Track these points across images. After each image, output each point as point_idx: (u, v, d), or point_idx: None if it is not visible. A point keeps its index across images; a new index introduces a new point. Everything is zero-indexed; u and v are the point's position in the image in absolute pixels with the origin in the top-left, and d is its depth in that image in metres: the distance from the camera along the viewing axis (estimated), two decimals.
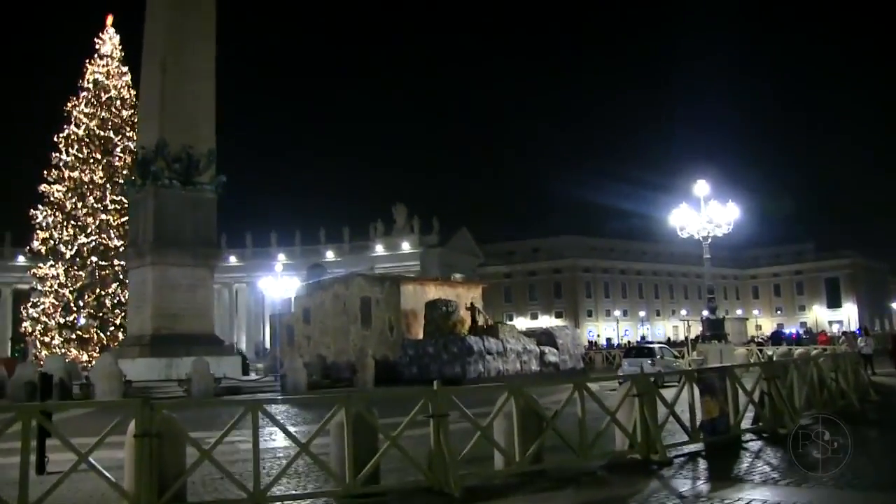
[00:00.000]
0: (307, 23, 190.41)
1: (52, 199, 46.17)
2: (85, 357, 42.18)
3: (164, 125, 33.94)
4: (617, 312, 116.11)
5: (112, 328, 44.23)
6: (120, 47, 50.36)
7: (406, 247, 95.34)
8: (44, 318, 44.47)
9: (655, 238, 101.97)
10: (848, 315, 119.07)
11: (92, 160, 46.92)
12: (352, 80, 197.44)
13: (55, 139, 47.26)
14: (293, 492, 9.59)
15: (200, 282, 33.97)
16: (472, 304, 38.56)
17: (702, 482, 9.92)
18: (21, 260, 62.33)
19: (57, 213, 45.93)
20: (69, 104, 48.05)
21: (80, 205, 45.92)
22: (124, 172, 44.55)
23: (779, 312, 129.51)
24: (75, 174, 46.49)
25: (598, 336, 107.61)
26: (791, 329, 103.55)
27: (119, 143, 47.64)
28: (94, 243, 45.41)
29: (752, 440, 12.96)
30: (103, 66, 49.26)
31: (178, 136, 33.84)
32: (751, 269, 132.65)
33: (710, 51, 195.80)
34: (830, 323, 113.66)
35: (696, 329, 63.09)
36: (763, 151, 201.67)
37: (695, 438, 11.86)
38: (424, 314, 37.13)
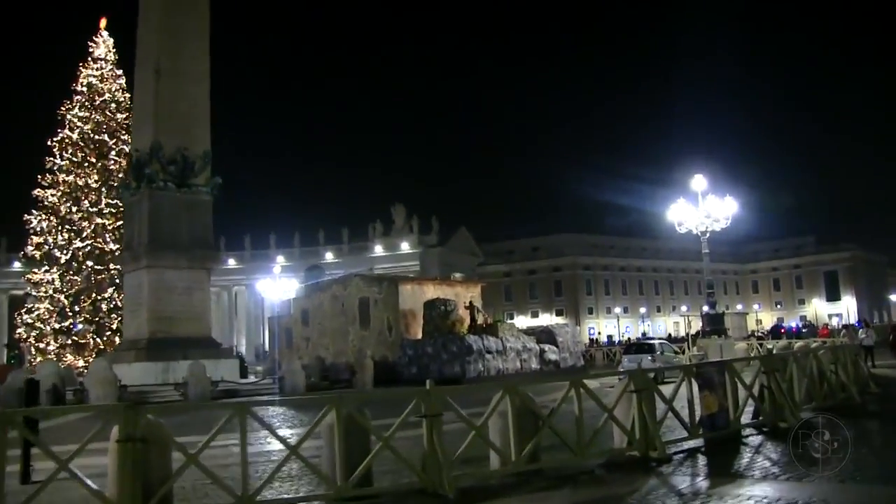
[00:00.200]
0: (305, 24, 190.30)
1: (46, 203, 45.83)
2: (81, 362, 41.88)
3: (158, 127, 33.71)
4: (617, 309, 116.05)
5: (108, 333, 43.95)
6: (114, 50, 50.08)
7: (405, 247, 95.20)
8: (39, 324, 44.15)
9: (655, 234, 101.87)
10: (847, 308, 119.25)
11: (86, 164, 46.60)
12: (350, 82, 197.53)
13: (49, 143, 46.96)
14: (284, 496, 9.41)
15: (197, 284, 33.69)
16: (470, 303, 38.41)
17: (701, 479, 9.76)
18: (16, 265, 62.01)
19: (51, 218, 45.60)
20: (63, 108, 47.73)
21: (74, 209, 45.62)
22: (119, 176, 44.20)
23: (779, 306, 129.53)
24: (70, 178, 46.18)
25: (599, 333, 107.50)
26: (791, 323, 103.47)
27: (114, 146, 47.31)
28: (89, 247, 45.09)
29: (752, 435, 12.80)
30: (97, 69, 49.00)
31: (173, 138, 33.63)
32: (750, 263, 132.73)
33: (709, 47, 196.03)
34: (830, 316, 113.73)
35: (697, 324, 62.89)
36: (762, 146, 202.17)
37: (694, 434, 11.69)
38: (423, 314, 36.95)
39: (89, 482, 7.51)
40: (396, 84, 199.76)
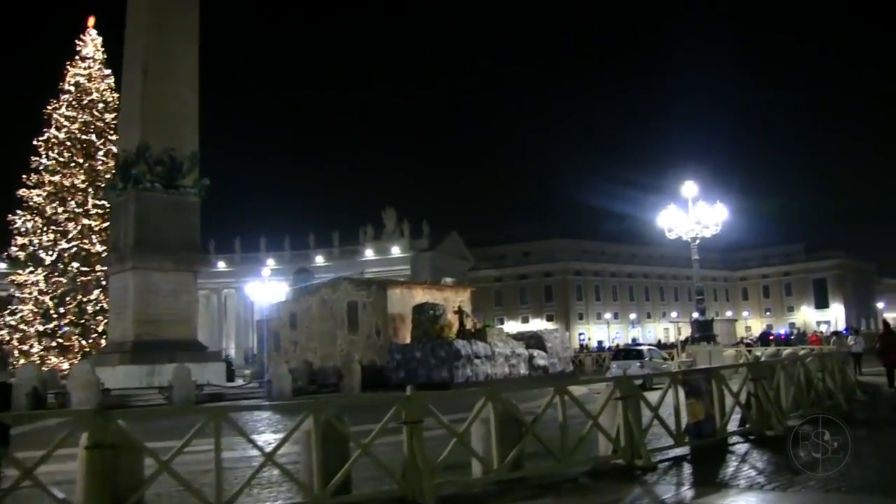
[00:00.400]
0: (296, 25, 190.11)
1: (31, 203, 45.34)
2: (66, 365, 41.42)
3: (145, 128, 33.49)
4: (608, 315, 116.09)
5: (94, 335, 43.47)
6: (102, 49, 49.66)
7: (396, 251, 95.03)
8: (22, 326, 43.66)
9: (646, 240, 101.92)
10: (835, 315, 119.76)
11: (73, 164, 46.22)
12: (341, 84, 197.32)
13: (35, 143, 46.55)
14: (260, 503, 9.20)
15: (183, 287, 33.40)
16: (459, 307, 38.19)
17: (686, 488, 9.59)
18: (1, 266, 61.42)
19: (37, 219, 45.13)
20: (49, 107, 47.28)
21: (60, 209, 45.19)
22: (107, 177, 43.80)
23: (768, 313, 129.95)
24: (56, 178, 45.77)
25: (590, 339, 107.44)
26: (780, 330, 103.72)
27: (101, 146, 46.94)
28: (75, 249, 44.64)
29: (738, 443, 12.66)
30: (85, 68, 48.61)
31: (160, 138, 33.41)
32: (740, 270, 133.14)
33: (699, 55, 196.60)
34: (818, 323, 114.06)
35: (687, 331, 62.88)
36: (753, 154, 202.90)
37: (680, 442, 11.52)
38: (412, 318, 36.70)
39: (54, 490, 7.29)
40: (387, 88, 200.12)
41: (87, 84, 48.14)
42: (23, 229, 45.17)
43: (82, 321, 43.96)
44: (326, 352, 39.50)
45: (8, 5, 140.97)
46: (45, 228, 45.03)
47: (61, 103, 47.42)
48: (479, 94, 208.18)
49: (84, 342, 43.48)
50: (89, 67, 48.72)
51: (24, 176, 45.97)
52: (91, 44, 49.59)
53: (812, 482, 9.12)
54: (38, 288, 44.15)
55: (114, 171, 38.74)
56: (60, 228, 45.05)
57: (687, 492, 9.35)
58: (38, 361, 40.50)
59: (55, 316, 43.67)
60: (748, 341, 62.20)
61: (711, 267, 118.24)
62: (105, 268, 39.97)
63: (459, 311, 37.45)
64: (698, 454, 11.55)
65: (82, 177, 46.12)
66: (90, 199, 45.68)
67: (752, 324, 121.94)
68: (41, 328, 43.39)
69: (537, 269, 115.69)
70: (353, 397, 22.92)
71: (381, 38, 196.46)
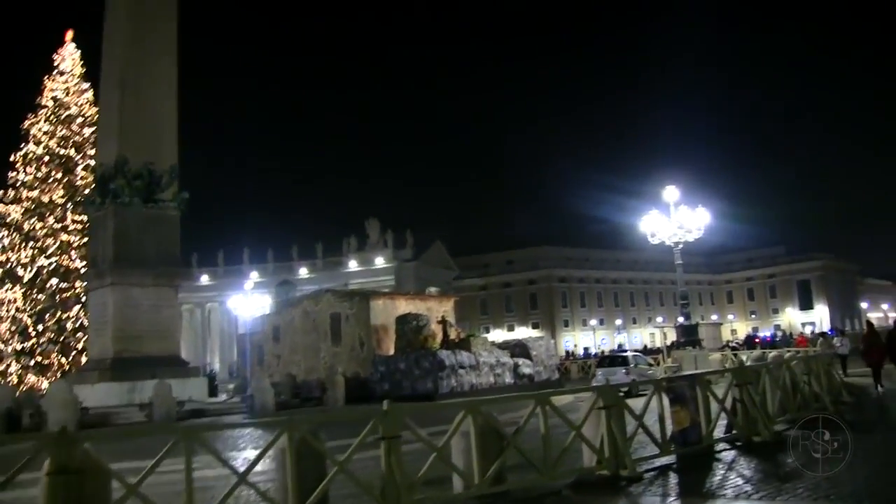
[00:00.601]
0: (275, 35, 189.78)
1: (9, 220, 44.92)
2: (45, 384, 40.87)
3: (123, 142, 33.21)
4: (593, 322, 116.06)
5: (74, 353, 42.94)
6: (80, 63, 49.40)
7: (380, 262, 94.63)
8: None
9: (630, 246, 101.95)
10: (820, 316, 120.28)
11: (51, 179, 45.83)
12: (321, 95, 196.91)
13: (12, 158, 46.14)
14: None
15: (164, 301, 33.05)
16: (443, 317, 37.91)
17: (672, 499, 9.41)
18: None
19: (14, 235, 44.68)
20: (27, 122, 47.00)
21: (39, 225, 44.77)
22: (86, 191, 43.39)
23: (753, 316, 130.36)
24: (34, 194, 45.39)
25: (576, 346, 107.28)
26: (766, 332, 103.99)
27: (80, 161, 46.61)
28: (54, 265, 44.21)
29: (725, 450, 12.49)
30: (63, 82, 48.32)
31: (139, 152, 33.12)
32: (725, 274, 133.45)
33: (680, 59, 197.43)
34: (803, 325, 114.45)
35: (672, 336, 62.87)
36: (734, 158, 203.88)
37: (665, 451, 11.34)
38: (395, 329, 36.40)
39: None
40: (368, 100, 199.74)
41: (66, 98, 47.82)
42: (0, 246, 44.60)
43: (62, 339, 43.40)
44: (310, 365, 39.11)
45: None
46: (23, 245, 44.51)
47: (39, 118, 47.08)
48: (457, 103, 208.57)
49: (63, 360, 42.91)
50: (67, 82, 48.44)
51: (1, 192, 45.47)
52: (69, 58, 49.29)
53: (801, 490, 8.97)
54: (15, 305, 43.55)
55: (93, 186, 38.36)
56: (39, 244, 44.56)
57: (673, 502, 9.19)
58: (16, 381, 39.89)
59: (34, 334, 43.07)
60: (734, 344, 62.27)
61: (696, 271, 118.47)
62: (85, 283, 39.52)
63: (443, 322, 37.18)
64: (684, 463, 11.37)
65: (61, 192, 45.72)
66: (69, 215, 45.29)
67: (738, 327, 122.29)
68: (19, 347, 42.77)
69: (522, 277, 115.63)
70: (329, 413, 22.48)
71: (356, 49, 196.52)
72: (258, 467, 9.80)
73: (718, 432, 12.98)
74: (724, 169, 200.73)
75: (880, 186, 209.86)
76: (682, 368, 32.43)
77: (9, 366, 42.35)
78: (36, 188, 45.55)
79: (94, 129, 45.96)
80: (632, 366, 31.34)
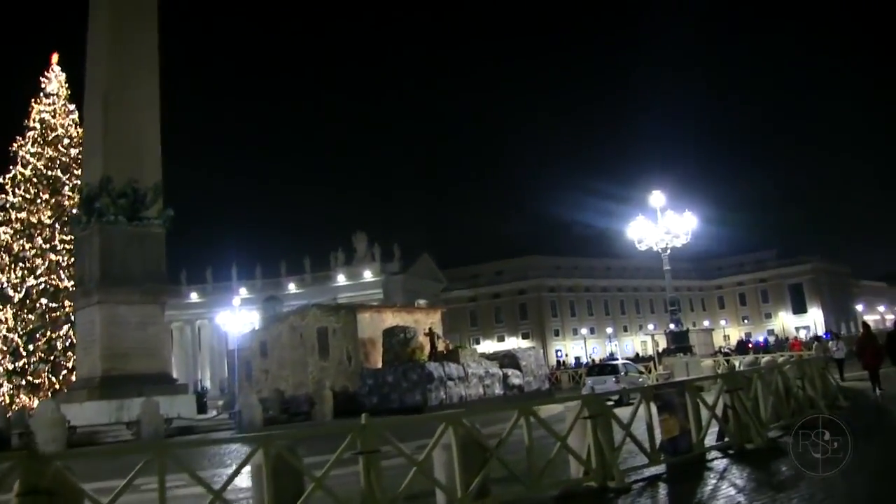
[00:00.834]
0: (259, 47, 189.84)
1: None
2: (36, 403, 40.63)
3: (107, 160, 33.04)
4: (584, 331, 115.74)
5: (65, 372, 42.78)
6: (66, 85, 49.91)
7: (368, 275, 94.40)
8: None
9: (619, 253, 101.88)
10: (814, 320, 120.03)
11: (39, 200, 45.97)
12: (307, 110, 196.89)
13: (1, 180, 46.15)
14: None
15: (151, 319, 32.77)
16: (430, 329, 37.69)
17: None
18: None
19: (4, 256, 44.68)
20: (15, 144, 47.30)
21: (28, 246, 44.91)
22: (73, 211, 43.37)
23: (745, 321, 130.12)
24: (23, 215, 45.55)
25: (567, 355, 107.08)
26: (759, 337, 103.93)
27: (68, 181, 46.86)
28: (43, 285, 44.20)
29: (716, 458, 12.29)
30: (49, 104, 48.69)
31: (123, 170, 32.95)
32: (715, 279, 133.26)
33: (666, 63, 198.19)
34: (798, 329, 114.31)
35: (664, 343, 62.77)
36: (720, 162, 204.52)
37: (655, 460, 11.17)
38: (382, 342, 36.20)
39: None
40: (353, 113, 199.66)
41: (52, 120, 48.18)
42: None
43: (52, 358, 43.26)
44: (298, 379, 38.91)
45: None
46: (12, 266, 44.49)
47: (27, 140, 47.38)
48: (444, 113, 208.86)
49: (54, 379, 42.77)
50: (54, 104, 48.88)
51: None
52: (55, 80, 49.72)
53: (795, 499, 8.82)
54: (6, 326, 43.47)
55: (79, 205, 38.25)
56: (28, 265, 44.59)
57: None
58: (7, 401, 39.68)
59: (25, 354, 42.96)
60: (726, 350, 62.17)
61: (686, 277, 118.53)
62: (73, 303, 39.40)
63: (430, 334, 36.98)
64: (675, 472, 11.17)
65: (49, 213, 45.94)
66: (57, 235, 45.48)
67: (731, 332, 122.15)
68: (10, 367, 42.63)
69: (511, 288, 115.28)
70: (307, 429, 22.15)
71: (341, 59, 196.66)
72: (240, 484, 9.65)
73: (710, 440, 12.82)
74: (711, 173, 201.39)
75: (871, 188, 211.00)
76: (674, 375, 32.33)
77: (0, 386, 42.15)
78: (24, 209, 45.74)
79: (80, 149, 46.03)
80: (622, 374, 31.19)
